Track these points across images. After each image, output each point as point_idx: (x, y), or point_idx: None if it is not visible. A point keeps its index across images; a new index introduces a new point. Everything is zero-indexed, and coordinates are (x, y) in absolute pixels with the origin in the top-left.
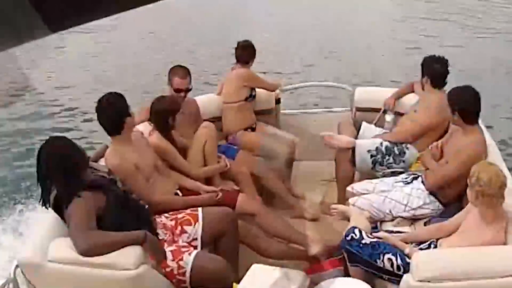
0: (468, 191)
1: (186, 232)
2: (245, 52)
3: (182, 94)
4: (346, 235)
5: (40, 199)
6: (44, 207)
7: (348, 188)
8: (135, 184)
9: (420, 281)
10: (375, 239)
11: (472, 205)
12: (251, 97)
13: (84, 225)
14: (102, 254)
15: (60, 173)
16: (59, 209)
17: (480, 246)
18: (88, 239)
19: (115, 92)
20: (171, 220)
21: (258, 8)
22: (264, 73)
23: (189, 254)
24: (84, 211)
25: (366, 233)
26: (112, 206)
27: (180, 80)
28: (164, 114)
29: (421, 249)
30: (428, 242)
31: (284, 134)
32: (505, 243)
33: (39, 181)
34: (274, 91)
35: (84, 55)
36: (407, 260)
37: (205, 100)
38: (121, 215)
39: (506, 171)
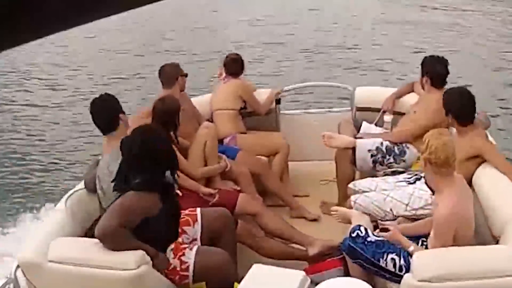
0: (420, 156)
1: (186, 232)
2: (236, 65)
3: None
4: (351, 232)
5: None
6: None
7: (350, 185)
8: None
9: (421, 281)
10: (380, 238)
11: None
12: (244, 109)
13: (120, 218)
14: (112, 250)
15: (140, 164)
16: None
17: (442, 215)
18: (113, 231)
19: (107, 93)
20: None
21: (253, 9)
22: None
23: (190, 249)
24: (131, 208)
25: (371, 231)
26: (163, 217)
27: (185, 79)
28: (172, 114)
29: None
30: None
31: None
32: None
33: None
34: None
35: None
36: (410, 260)
37: (202, 101)
38: (165, 228)
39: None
